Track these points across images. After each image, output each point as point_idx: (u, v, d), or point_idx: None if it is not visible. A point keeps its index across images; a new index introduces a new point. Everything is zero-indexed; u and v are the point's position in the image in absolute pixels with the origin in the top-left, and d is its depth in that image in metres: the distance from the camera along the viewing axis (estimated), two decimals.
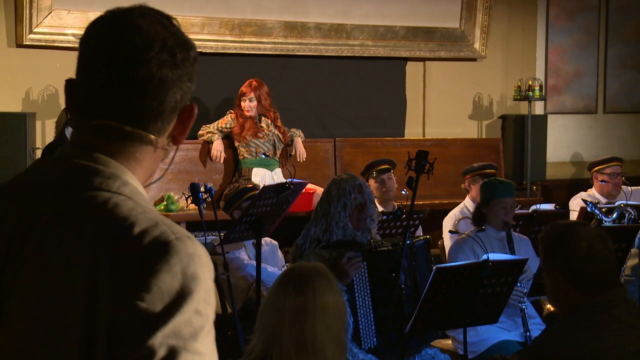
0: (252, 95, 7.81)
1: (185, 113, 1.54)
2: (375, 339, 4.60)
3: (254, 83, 7.87)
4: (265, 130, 7.85)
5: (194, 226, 7.13)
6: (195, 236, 6.34)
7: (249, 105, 7.81)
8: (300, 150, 8.06)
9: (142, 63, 1.46)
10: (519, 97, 9.48)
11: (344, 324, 2.92)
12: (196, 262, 1.41)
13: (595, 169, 7.75)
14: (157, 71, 1.47)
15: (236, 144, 7.84)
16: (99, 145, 1.51)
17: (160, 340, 1.35)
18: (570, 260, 3.18)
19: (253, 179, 7.69)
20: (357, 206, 4.70)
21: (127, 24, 1.48)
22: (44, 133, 7.74)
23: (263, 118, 7.88)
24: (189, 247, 1.41)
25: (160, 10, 1.53)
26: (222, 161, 7.88)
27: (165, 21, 1.51)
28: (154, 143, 1.51)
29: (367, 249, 4.63)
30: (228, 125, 7.86)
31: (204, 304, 1.40)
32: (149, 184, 7.49)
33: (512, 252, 5.34)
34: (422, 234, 6.32)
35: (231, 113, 7.89)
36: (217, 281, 5.63)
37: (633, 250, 6.04)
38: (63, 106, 6.95)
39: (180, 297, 1.38)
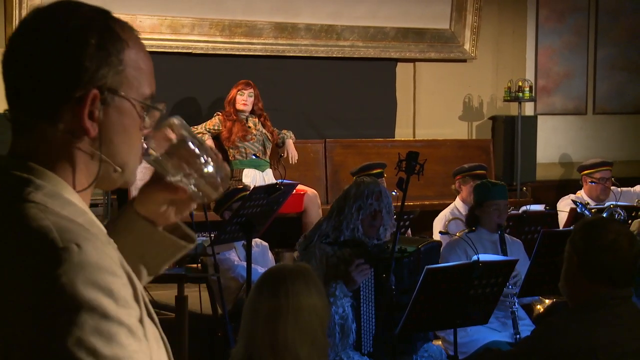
0: (250, 90, 7.81)
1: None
2: (371, 345, 4.60)
3: (251, 82, 7.87)
4: (253, 131, 7.84)
5: None
6: None
7: (246, 99, 7.78)
8: (292, 152, 8.06)
9: None
10: (509, 98, 9.51)
11: (323, 324, 2.91)
12: (86, 272, 1.31)
13: (585, 172, 7.77)
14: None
15: (226, 147, 7.83)
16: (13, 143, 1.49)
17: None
18: (591, 246, 3.22)
19: (244, 180, 7.68)
20: (371, 212, 4.67)
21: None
22: None
23: (250, 118, 7.87)
24: (75, 256, 1.32)
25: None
26: None
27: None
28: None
29: (374, 256, 4.60)
30: (215, 127, 7.85)
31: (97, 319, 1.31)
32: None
33: (505, 254, 5.35)
34: (411, 235, 6.34)
35: (218, 115, 7.87)
36: (208, 282, 5.63)
37: None
38: None
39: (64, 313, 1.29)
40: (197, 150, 1.61)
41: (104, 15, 1.49)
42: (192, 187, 1.62)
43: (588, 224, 3.38)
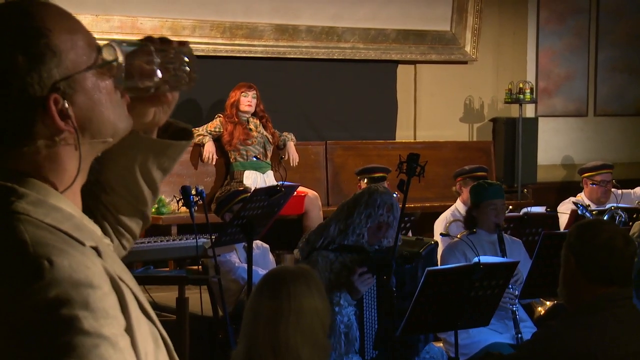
0: (253, 92, 7.82)
1: None
2: (372, 349, 4.60)
3: (253, 84, 7.88)
4: (254, 133, 7.85)
5: (185, 229, 7.12)
6: (187, 239, 6.36)
7: (251, 100, 7.79)
8: (293, 155, 8.06)
9: None
10: (509, 99, 9.51)
11: (324, 327, 2.92)
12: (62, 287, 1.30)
13: (586, 175, 7.76)
14: None
15: (227, 149, 7.84)
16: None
17: None
18: (587, 245, 3.23)
19: (245, 182, 7.68)
20: (379, 223, 4.66)
21: None
22: None
23: (251, 119, 7.87)
24: (47, 273, 1.30)
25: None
26: (214, 163, 7.87)
27: None
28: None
29: (376, 262, 4.60)
30: (217, 129, 7.85)
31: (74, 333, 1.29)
32: None
33: (504, 254, 5.35)
34: (411, 237, 6.33)
35: (219, 117, 7.87)
36: (209, 284, 5.63)
37: None
38: None
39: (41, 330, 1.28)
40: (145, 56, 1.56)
41: (18, 14, 1.44)
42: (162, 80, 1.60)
43: (582, 225, 3.39)
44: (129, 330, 1.38)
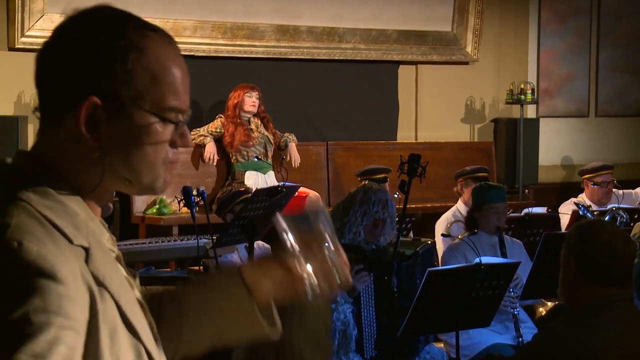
0: (256, 92, 7.82)
1: None
2: (373, 349, 4.60)
3: (255, 85, 7.88)
4: (255, 133, 7.85)
5: (187, 229, 7.13)
6: (188, 240, 6.36)
7: (255, 100, 7.79)
8: (294, 156, 8.06)
9: None
10: (511, 100, 9.50)
11: (326, 326, 2.92)
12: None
13: (586, 176, 7.74)
14: None
15: (227, 150, 7.84)
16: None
17: None
18: (587, 246, 3.23)
19: (246, 182, 7.69)
20: (375, 220, 4.67)
21: None
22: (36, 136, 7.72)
23: (252, 119, 7.87)
24: (10, 252, 1.31)
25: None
26: (215, 163, 7.87)
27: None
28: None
29: (372, 261, 4.60)
30: (217, 130, 7.85)
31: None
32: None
33: (505, 257, 5.34)
34: (412, 237, 6.33)
35: (220, 118, 7.87)
36: None
37: None
38: None
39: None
40: (328, 254, 1.60)
41: (120, 21, 1.47)
42: (310, 280, 1.58)
43: (582, 226, 3.39)
44: (92, 337, 1.35)
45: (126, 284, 1.49)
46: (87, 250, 1.39)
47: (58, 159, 1.45)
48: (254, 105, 7.81)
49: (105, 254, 1.46)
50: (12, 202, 1.37)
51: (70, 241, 1.37)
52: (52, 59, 1.44)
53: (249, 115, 7.84)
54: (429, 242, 5.00)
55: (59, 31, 1.46)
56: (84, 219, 1.44)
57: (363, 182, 7.01)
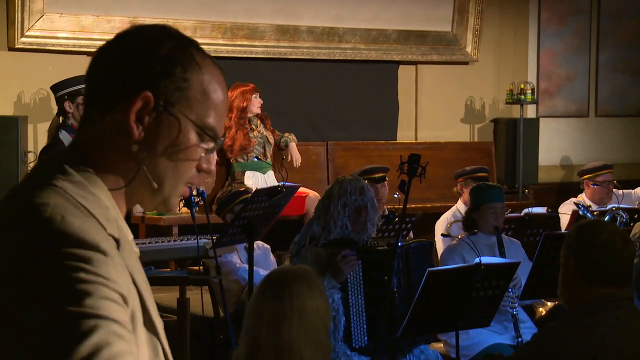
0: (258, 92, 7.83)
1: None
2: (366, 338, 4.61)
3: (255, 85, 7.89)
4: (255, 132, 7.85)
5: (187, 229, 7.13)
6: (188, 240, 6.36)
7: (260, 101, 7.81)
8: (295, 155, 8.06)
9: None
10: (511, 100, 9.50)
11: (326, 327, 2.93)
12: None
13: (586, 176, 7.72)
14: None
15: (227, 156, 7.84)
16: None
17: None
18: (586, 246, 3.23)
19: (246, 182, 7.69)
20: (356, 208, 4.73)
21: None
22: (36, 136, 7.73)
23: (253, 119, 7.87)
24: (56, 224, 1.36)
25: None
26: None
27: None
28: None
29: (362, 248, 4.65)
30: None
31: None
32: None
33: (503, 257, 5.34)
34: (413, 238, 6.33)
35: None
36: (210, 285, 5.63)
37: None
38: (55, 109, 6.95)
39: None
40: None
41: (187, 40, 1.55)
42: None
43: (581, 226, 3.40)
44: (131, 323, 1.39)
45: (147, 281, 1.53)
46: (117, 241, 1.44)
47: (97, 151, 1.50)
48: (259, 107, 7.83)
49: (131, 249, 1.50)
50: (47, 187, 1.42)
51: (104, 228, 1.42)
52: (118, 51, 1.51)
53: (250, 115, 7.85)
54: (424, 240, 5.03)
55: (128, 30, 1.54)
56: (113, 213, 1.48)
57: None
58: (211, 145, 1.54)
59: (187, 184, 1.56)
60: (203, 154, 1.54)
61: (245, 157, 7.80)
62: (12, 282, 1.32)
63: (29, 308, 1.30)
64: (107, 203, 1.48)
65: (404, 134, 9.47)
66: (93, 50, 1.64)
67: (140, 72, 1.48)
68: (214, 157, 1.57)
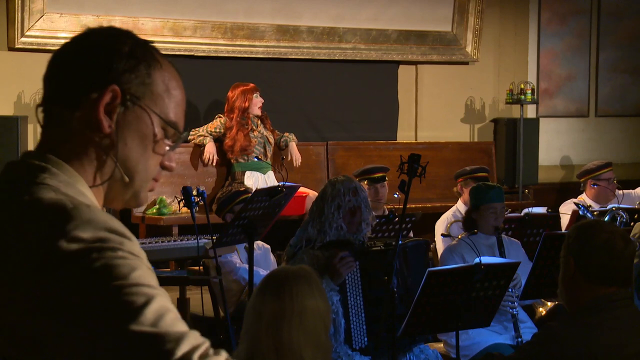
0: (258, 91, 7.84)
1: None
2: (366, 339, 4.60)
3: (255, 85, 7.89)
4: (255, 133, 7.85)
5: (187, 230, 7.13)
6: (188, 240, 6.36)
7: (261, 101, 7.82)
8: (295, 155, 8.06)
9: None
10: (511, 100, 9.51)
11: (326, 327, 2.92)
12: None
13: (591, 175, 7.66)
14: None
15: (228, 156, 7.84)
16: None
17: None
18: (586, 246, 3.23)
19: (246, 182, 7.69)
20: (350, 209, 4.71)
21: None
22: (36, 136, 7.72)
23: (254, 119, 7.87)
24: (85, 213, 1.39)
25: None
26: (214, 164, 7.87)
27: None
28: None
29: (359, 249, 4.64)
30: (217, 130, 7.85)
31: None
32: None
33: (503, 257, 5.34)
34: (413, 237, 6.32)
35: (220, 117, 7.87)
36: (210, 285, 5.63)
37: None
38: None
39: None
40: None
41: (144, 40, 1.59)
42: None
43: (581, 226, 3.39)
44: None
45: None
46: None
47: (71, 149, 1.52)
48: (260, 107, 7.84)
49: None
50: (43, 187, 1.44)
51: None
52: (80, 50, 1.54)
53: (253, 116, 7.85)
54: (418, 239, 5.02)
55: (85, 32, 1.57)
56: (100, 209, 1.51)
57: (361, 182, 7.01)
58: (172, 142, 1.58)
59: (151, 179, 1.59)
60: (167, 149, 1.57)
61: (246, 158, 7.80)
62: (55, 272, 1.33)
63: (83, 292, 1.32)
64: (94, 200, 1.51)
65: (404, 134, 9.47)
66: None
67: (107, 67, 1.50)
68: (173, 155, 1.61)
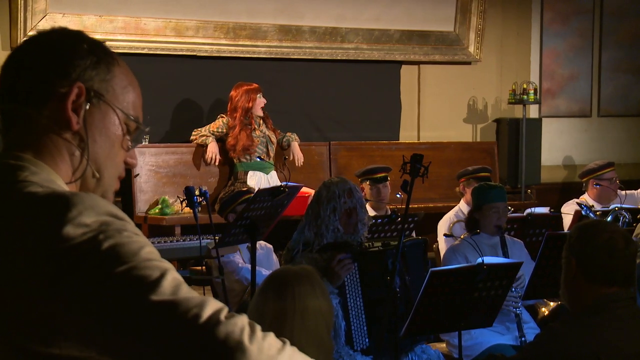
0: (262, 92, 7.84)
1: None
2: (367, 340, 4.60)
3: (258, 85, 7.89)
4: (258, 132, 7.85)
5: (189, 229, 7.13)
6: (190, 240, 6.35)
7: (264, 101, 7.82)
8: (298, 155, 8.06)
9: None
10: (513, 100, 9.50)
11: (328, 327, 2.92)
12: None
13: (593, 175, 7.65)
14: None
15: (230, 155, 7.84)
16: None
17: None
18: (587, 246, 3.23)
19: (248, 182, 7.68)
20: (346, 210, 4.71)
21: None
22: None
23: (256, 118, 7.87)
24: (86, 199, 1.40)
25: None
26: (217, 163, 7.87)
27: None
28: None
29: (357, 250, 4.64)
30: (219, 130, 7.85)
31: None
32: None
33: (506, 257, 5.34)
34: (415, 237, 6.32)
35: (222, 117, 7.87)
36: (212, 285, 5.63)
37: None
38: None
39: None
40: None
41: (99, 40, 1.61)
42: None
43: (582, 226, 3.39)
44: None
45: None
46: None
47: (41, 148, 1.52)
48: (262, 107, 7.84)
49: None
50: (28, 184, 1.45)
51: None
52: (39, 50, 1.55)
53: (256, 116, 7.85)
54: (416, 238, 5.02)
55: (39, 34, 1.59)
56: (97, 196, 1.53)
57: (363, 183, 7.01)
58: (133, 138, 1.60)
59: (117, 176, 1.61)
60: (130, 145, 1.60)
61: (248, 157, 7.80)
62: (66, 258, 1.34)
63: (98, 274, 1.33)
64: None
65: (407, 134, 9.47)
66: None
67: (70, 65, 1.52)
68: (135, 152, 1.64)
